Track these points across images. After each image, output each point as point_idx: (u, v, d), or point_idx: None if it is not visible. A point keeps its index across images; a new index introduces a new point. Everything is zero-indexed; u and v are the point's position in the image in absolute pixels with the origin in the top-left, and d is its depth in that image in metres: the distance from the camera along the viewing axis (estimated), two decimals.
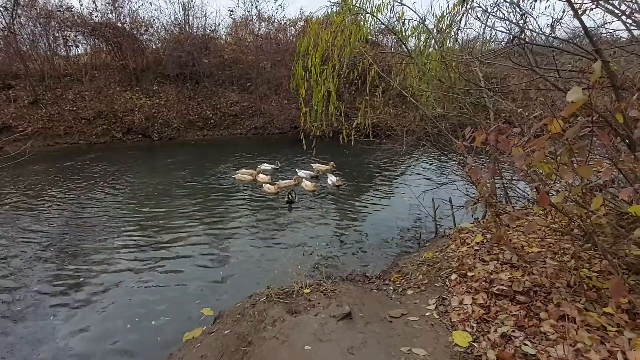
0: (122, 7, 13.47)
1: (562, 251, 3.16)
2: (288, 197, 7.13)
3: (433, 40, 5.79)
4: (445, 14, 5.85)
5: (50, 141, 12.73)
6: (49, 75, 13.39)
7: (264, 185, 8.06)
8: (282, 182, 8.26)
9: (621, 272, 2.36)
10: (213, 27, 15.41)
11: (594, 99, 2.08)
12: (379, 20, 5.31)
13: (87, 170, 9.81)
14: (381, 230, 6.02)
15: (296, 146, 12.70)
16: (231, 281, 4.59)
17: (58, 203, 7.32)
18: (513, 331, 2.21)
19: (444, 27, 5.94)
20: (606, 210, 2.57)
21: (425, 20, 5.72)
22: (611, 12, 3.20)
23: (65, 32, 13.30)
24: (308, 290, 3.16)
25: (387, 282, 3.81)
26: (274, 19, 15.52)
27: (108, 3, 13.30)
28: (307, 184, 7.95)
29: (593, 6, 3.12)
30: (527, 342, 2.07)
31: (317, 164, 9.64)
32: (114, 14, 13.51)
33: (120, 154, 11.93)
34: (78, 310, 3.99)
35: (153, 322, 3.79)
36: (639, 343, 1.88)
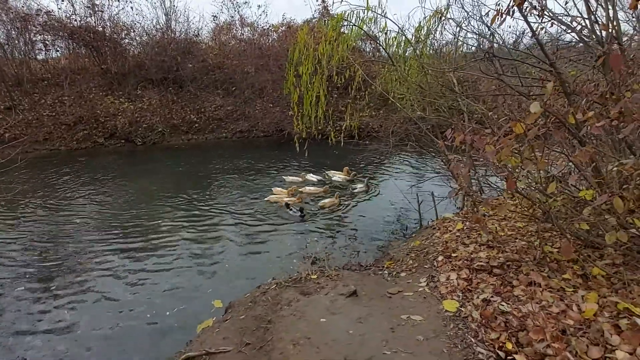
0: (102, 11, 13.38)
1: (528, 233, 3.72)
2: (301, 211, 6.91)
3: (412, 48, 6.32)
4: (422, 24, 6.41)
5: (28, 148, 12.44)
6: (26, 79, 13.09)
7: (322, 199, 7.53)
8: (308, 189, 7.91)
9: (576, 246, 2.90)
10: (196, 32, 15.52)
11: (551, 107, 2.62)
12: (365, 32, 5.79)
13: (69, 177, 9.70)
14: (369, 225, 6.49)
15: (282, 149, 13.06)
16: (230, 278, 4.86)
17: (38, 213, 7.21)
18: (492, 296, 2.69)
19: (422, 37, 6.50)
20: (563, 197, 3.12)
21: (404, 30, 6.26)
22: (564, 25, 3.80)
23: (43, 35, 13.07)
24: (315, 276, 3.55)
25: (381, 268, 4.25)
26: (257, 25, 15.83)
27: (87, 7, 13.18)
28: (325, 202, 7.33)
29: (549, 25, 3.72)
30: (503, 303, 2.55)
31: (331, 171, 9.41)
32: (93, 18, 13.39)
33: (103, 160, 11.88)
34: (66, 316, 4.08)
35: (167, 313, 4.08)
36: (589, 298, 2.39)
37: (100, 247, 5.73)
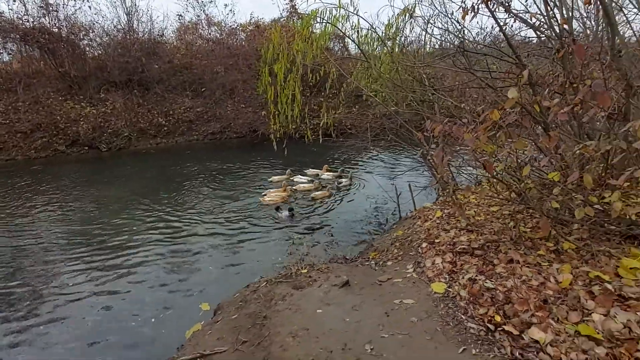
0: (56, 11, 12.61)
1: (502, 216, 3.96)
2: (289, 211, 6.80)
3: (384, 45, 6.51)
4: (391, 22, 6.61)
5: None
6: None
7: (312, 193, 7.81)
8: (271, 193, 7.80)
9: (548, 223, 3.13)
10: (161, 32, 15.00)
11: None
12: (338, 28, 5.89)
13: (27, 189, 9.03)
14: (351, 220, 6.61)
15: (257, 149, 12.95)
16: (214, 282, 4.77)
17: None
18: (476, 276, 2.85)
19: (392, 34, 6.70)
20: (532, 180, 3.36)
21: (376, 29, 6.42)
22: (524, 21, 4.08)
23: None
24: (305, 271, 3.60)
25: (367, 259, 4.36)
26: (224, 24, 15.54)
27: (41, 7, 12.38)
28: (317, 194, 7.70)
29: (512, 21, 3.97)
30: (487, 281, 2.72)
31: (311, 169, 9.57)
32: (47, 18, 12.59)
33: (65, 169, 11.22)
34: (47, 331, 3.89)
35: (153, 320, 3.98)
36: (564, 269, 2.60)
37: (67, 263, 5.31)
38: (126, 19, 14.03)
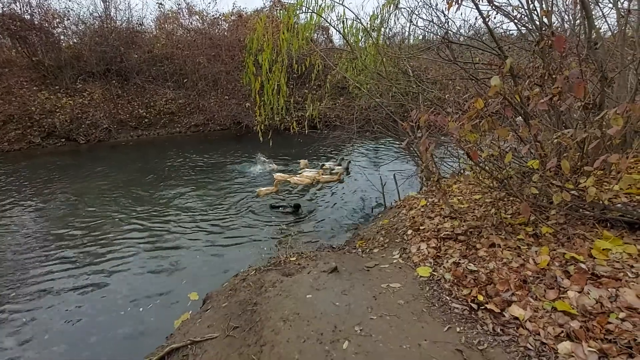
0: None
1: (484, 204, 4.10)
2: (292, 206, 6.67)
3: (369, 37, 6.54)
4: (376, 13, 6.64)
5: None
6: None
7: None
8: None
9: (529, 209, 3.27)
10: (140, 21, 14.53)
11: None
12: (323, 19, 5.87)
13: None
14: (336, 210, 6.68)
15: (242, 141, 12.82)
16: (201, 274, 4.74)
17: None
18: (460, 260, 2.96)
19: (377, 25, 6.73)
20: (513, 168, 3.49)
21: (361, 20, 6.44)
22: (505, 14, 4.19)
23: None
24: (294, 258, 3.64)
25: (354, 247, 4.44)
26: (206, 13, 15.18)
27: None
28: (322, 178, 8.11)
29: (495, 14, 4.07)
30: (470, 264, 2.84)
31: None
32: (18, 4, 12.00)
33: (40, 162, 10.79)
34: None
35: (141, 309, 3.95)
36: (542, 252, 2.73)
37: (44, 260, 5.12)
38: (103, 7, 13.54)
